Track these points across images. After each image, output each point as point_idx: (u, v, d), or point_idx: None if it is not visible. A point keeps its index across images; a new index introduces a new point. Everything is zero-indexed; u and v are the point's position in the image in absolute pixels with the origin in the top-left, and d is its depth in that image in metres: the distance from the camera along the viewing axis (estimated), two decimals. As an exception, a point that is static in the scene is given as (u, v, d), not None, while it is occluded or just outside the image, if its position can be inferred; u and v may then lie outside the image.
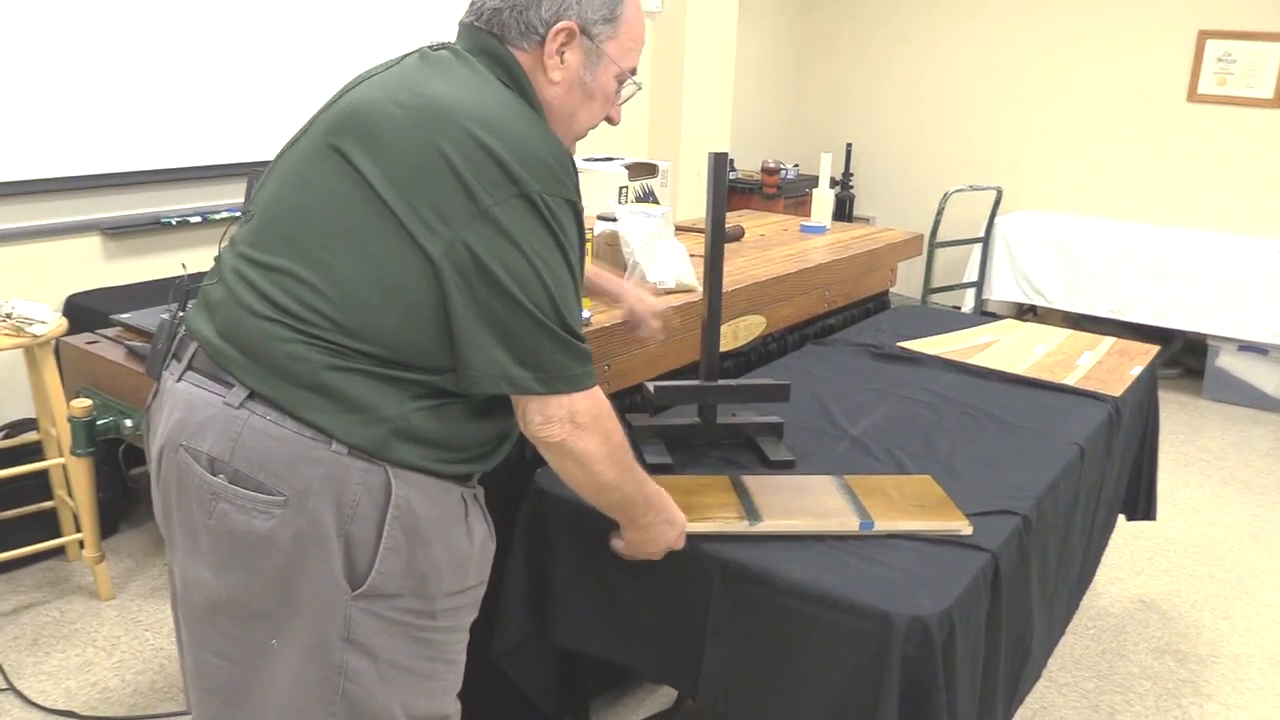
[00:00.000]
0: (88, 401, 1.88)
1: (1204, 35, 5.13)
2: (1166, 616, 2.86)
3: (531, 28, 1.30)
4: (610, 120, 1.42)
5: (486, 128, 1.19)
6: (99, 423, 1.85)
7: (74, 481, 2.65)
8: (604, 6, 1.32)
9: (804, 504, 1.62)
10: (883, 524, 1.57)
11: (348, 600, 1.25)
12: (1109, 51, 5.41)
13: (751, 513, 1.58)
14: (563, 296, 1.24)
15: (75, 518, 2.72)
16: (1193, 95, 5.23)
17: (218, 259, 1.34)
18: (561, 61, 1.31)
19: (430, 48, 1.35)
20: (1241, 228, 5.21)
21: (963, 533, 1.57)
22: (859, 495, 1.65)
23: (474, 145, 1.18)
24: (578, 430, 1.28)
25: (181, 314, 1.37)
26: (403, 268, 1.19)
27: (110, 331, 1.99)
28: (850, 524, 1.57)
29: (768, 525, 1.56)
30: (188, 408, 1.26)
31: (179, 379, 1.29)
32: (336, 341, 1.20)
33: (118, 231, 3.17)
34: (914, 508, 1.62)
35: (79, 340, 1.96)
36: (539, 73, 1.32)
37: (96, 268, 3.16)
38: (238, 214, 3.30)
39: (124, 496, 3.13)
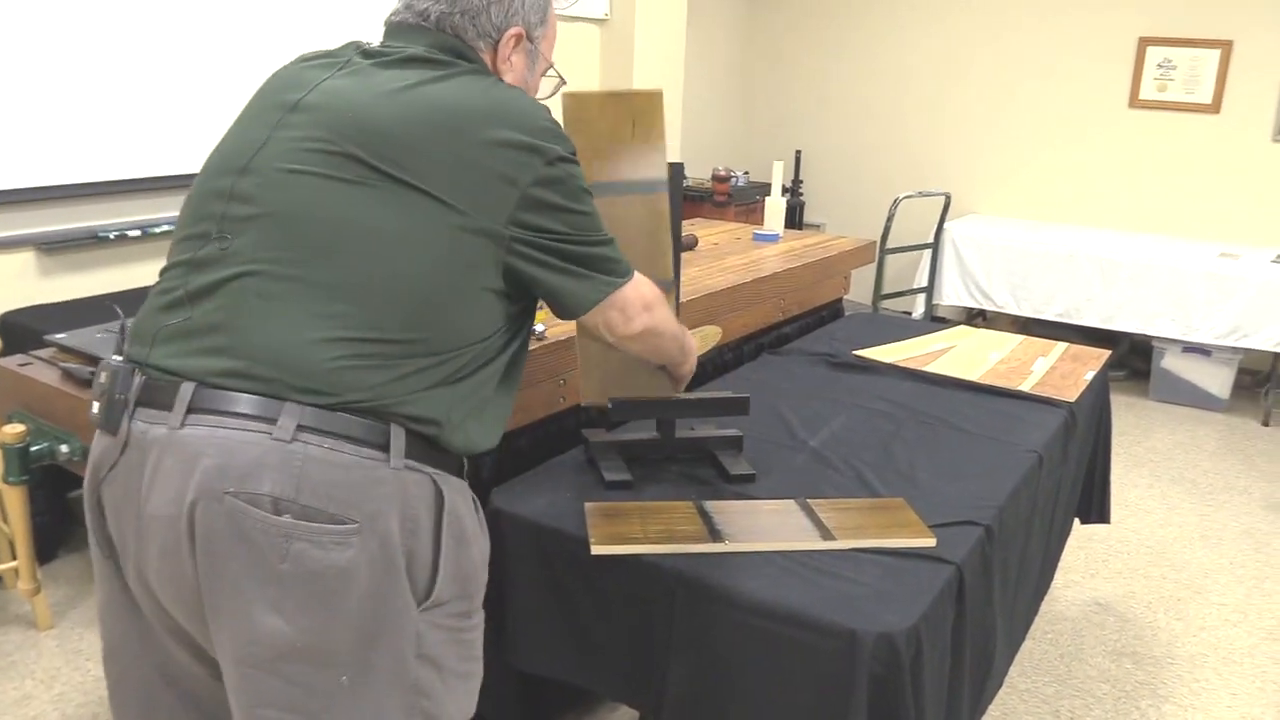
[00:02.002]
0: (20, 427, 1.81)
1: (1144, 42, 5.21)
2: (1122, 619, 2.88)
3: (484, 32, 1.37)
4: None
5: (502, 121, 1.25)
6: (33, 449, 1.78)
7: (8, 510, 2.54)
8: (538, 9, 1.42)
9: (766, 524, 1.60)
10: (847, 540, 1.55)
11: (417, 616, 1.24)
12: (1052, 58, 5.49)
13: (715, 534, 1.56)
14: (600, 219, 1.36)
15: (11, 545, 2.62)
16: (1134, 101, 5.31)
17: (188, 286, 1.23)
18: (511, 65, 1.40)
19: (383, 48, 1.34)
20: (1184, 231, 5.30)
21: (927, 545, 1.56)
22: (823, 516, 1.63)
23: (499, 140, 1.24)
24: (649, 310, 1.41)
25: (130, 356, 1.24)
26: (456, 257, 1.23)
27: (44, 353, 1.91)
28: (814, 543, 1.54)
29: (731, 546, 1.53)
30: (223, 452, 1.14)
31: (181, 425, 1.16)
32: (384, 353, 1.19)
33: (53, 247, 3.07)
34: (879, 524, 1.60)
35: (11, 363, 1.88)
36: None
37: (31, 284, 3.06)
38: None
39: (62, 520, 3.03)
